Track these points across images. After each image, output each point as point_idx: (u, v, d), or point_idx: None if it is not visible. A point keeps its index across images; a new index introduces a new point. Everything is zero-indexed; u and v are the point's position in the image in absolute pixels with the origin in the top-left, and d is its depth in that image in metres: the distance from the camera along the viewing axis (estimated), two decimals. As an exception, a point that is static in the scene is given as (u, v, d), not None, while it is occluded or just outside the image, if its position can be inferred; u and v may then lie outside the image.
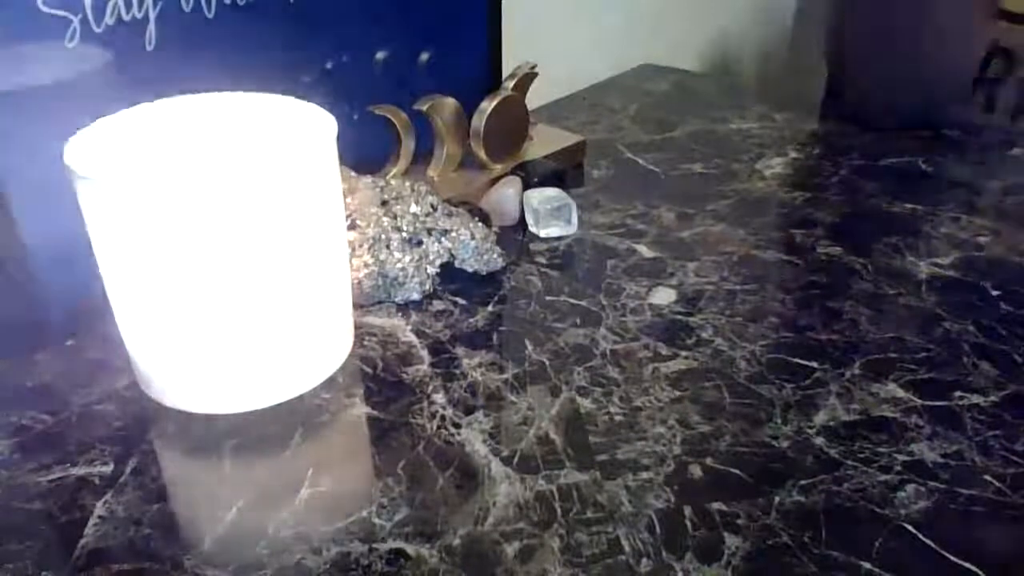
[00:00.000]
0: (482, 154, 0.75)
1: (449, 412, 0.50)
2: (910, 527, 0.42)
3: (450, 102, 0.73)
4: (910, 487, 0.45)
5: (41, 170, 0.50)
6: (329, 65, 0.69)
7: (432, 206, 0.64)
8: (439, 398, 0.52)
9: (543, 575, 0.40)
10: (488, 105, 0.74)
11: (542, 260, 0.67)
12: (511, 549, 0.41)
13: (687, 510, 0.43)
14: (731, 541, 0.42)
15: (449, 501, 0.44)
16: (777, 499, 0.44)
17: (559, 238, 0.70)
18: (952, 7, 0.90)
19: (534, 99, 0.83)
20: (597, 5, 1.09)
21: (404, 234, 0.61)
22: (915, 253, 0.68)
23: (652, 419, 0.50)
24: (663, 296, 0.62)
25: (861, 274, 0.65)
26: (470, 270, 0.64)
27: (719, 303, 0.61)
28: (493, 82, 0.82)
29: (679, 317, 0.59)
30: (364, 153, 0.68)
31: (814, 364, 0.54)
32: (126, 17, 0.55)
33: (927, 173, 0.83)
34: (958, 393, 0.52)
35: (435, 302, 0.61)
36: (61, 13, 0.52)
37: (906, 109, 0.94)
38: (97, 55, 0.54)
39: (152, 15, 0.56)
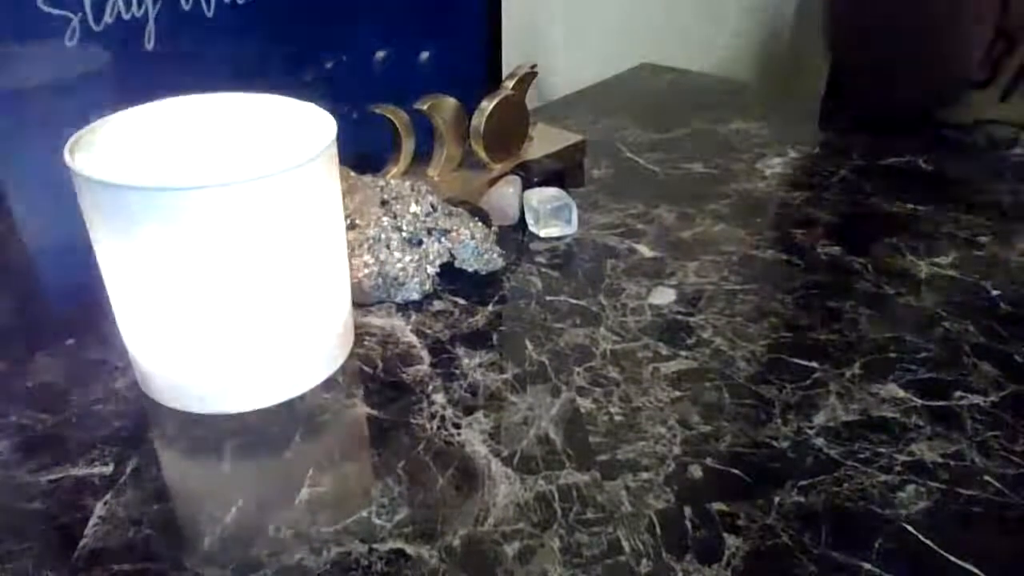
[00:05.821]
0: (482, 154, 0.75)
1: (449, 412, 0.50)
2: (910, 527, 0.42)
3: (450, 102, 0.73)
4: (910, 487, 0.45)
5: (41, 170, 0.50)
6: (329, 65, 0.69)
7: (432, 206, 0.64)
8: (439, 398, 0.52)
9: None
10: (488, 105, 0.74)
11: (542, 260, 0.67)
12: (511, 549, 0.41)
13: (687, 511, 0.43)
14: (731, 542, 0.42)
15: (449, 501, 0.44)
16: (777, 499, 0.44)
17: (559, 238, 0.70)
18: None
19: (534, 99, 0.83)
20: (597, 5, 1.09)
21: (404, 234, 0.61)
22: (915, 253, 0.68)
23: (652, 419, 0.50)
24: (663, 296, 0.62)
25: (861, 274, 0.65)
26: (470, 270, 0.64)
27: (719, 303, 0.61)
28: (493, 82, 0.82)
29: (679, 317, 0.59)
30: (364, 153, 0.68)
31: (814, 364, 0.54)
32: (126, 16, 0.55)
33: (927, 173, 0.83)
34: (958, 393, 0.52)
35: (435, 302, 0.61)
36: (61, 12, 0.52)
37: (908, 99, 0.93)
38: (97, 54, 0.54)
39: (152, 14, 0.56)
